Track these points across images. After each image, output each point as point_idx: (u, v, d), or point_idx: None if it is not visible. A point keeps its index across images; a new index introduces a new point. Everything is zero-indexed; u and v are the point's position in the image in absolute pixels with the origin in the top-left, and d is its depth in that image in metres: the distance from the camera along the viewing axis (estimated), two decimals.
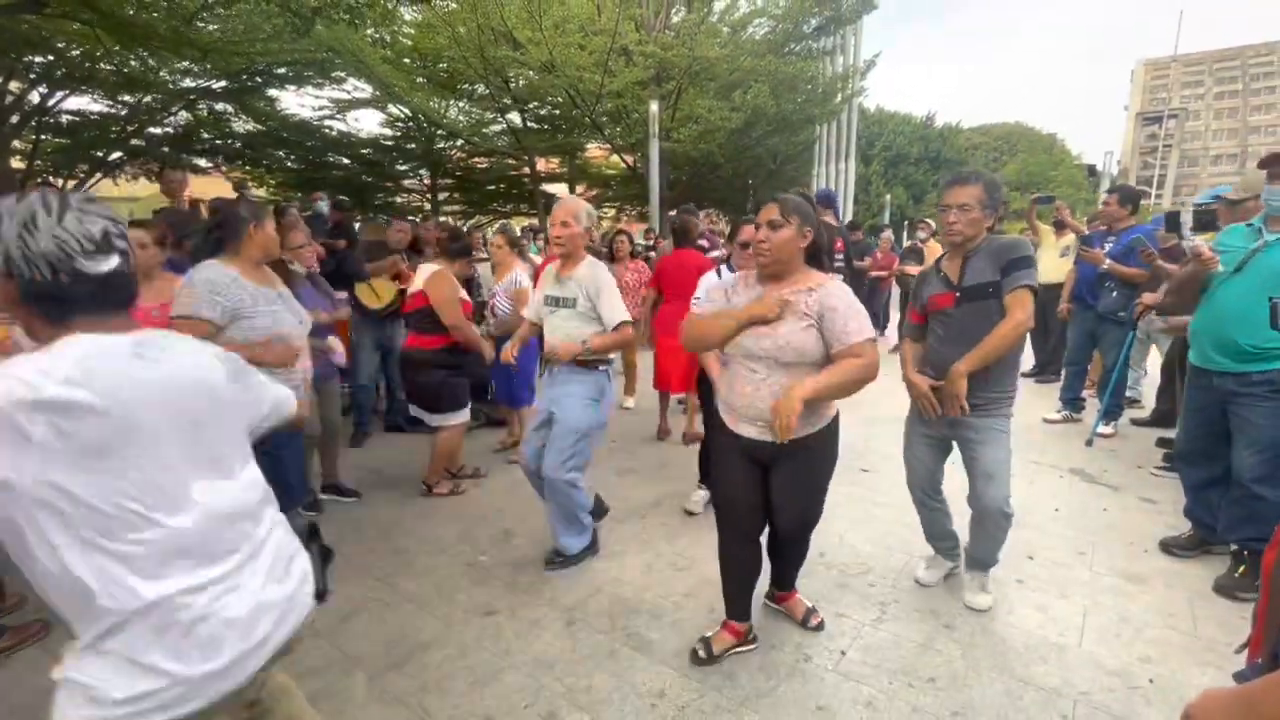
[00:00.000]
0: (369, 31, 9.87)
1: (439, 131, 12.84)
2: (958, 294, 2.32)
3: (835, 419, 2.10)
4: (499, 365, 3.86)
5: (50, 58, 7.70)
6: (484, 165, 14.77)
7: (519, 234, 5.41)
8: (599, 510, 3.11)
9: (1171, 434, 4.29)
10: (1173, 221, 3.42)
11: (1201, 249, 2.70)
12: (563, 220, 2.72)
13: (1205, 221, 3.14)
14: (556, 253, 2.81)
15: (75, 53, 7.66)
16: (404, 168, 14.42)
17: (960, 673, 2.14)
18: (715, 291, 2.18)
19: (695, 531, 3.18)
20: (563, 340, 2.72)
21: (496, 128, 13.05)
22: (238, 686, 1.05)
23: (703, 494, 3.39)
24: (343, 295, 4.08)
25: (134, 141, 10.02)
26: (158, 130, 10.26)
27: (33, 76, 7.99)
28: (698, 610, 2.52)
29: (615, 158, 13.74)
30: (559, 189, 16.09)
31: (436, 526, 3.27)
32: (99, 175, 10.22)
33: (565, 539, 2.84)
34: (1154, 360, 5.13)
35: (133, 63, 8.11)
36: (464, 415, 3.64)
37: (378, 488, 3.77)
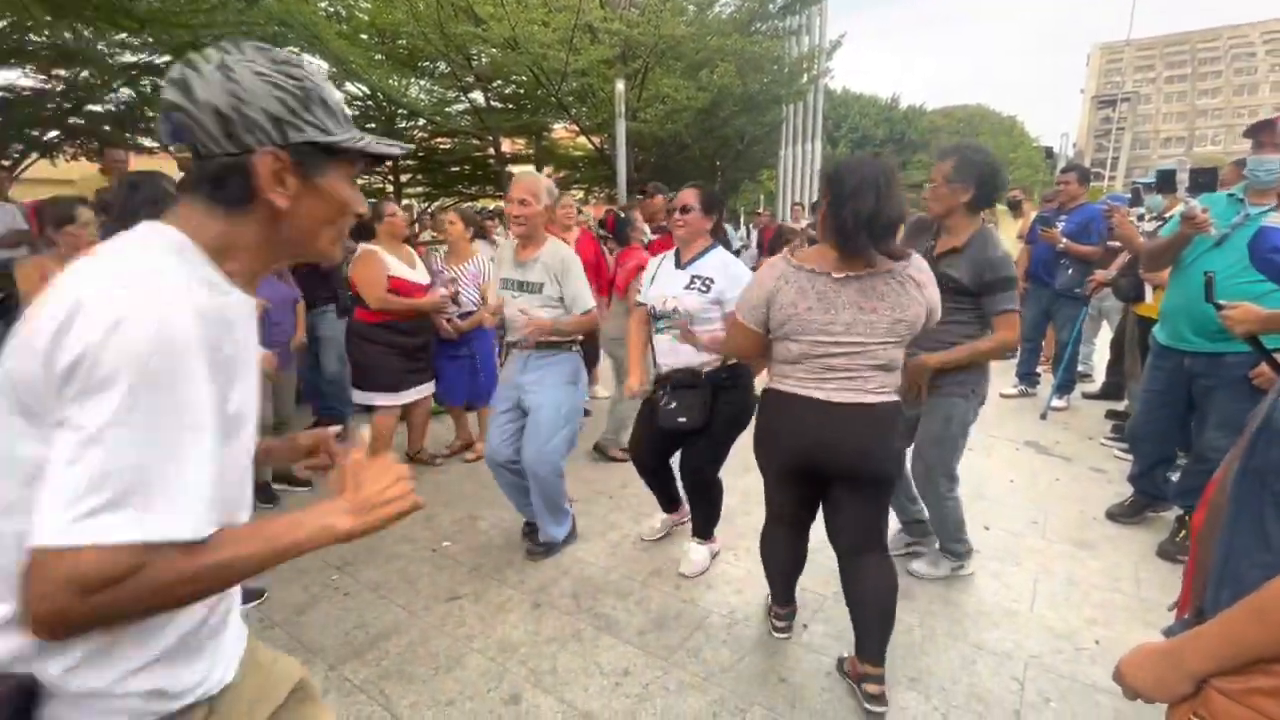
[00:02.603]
0: (323, 5, 9.47)
1: (399, 111, 12.43)
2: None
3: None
4: (459, 362, 3.80)
5: None
6: (447, 146, 14.38)
7: (478, 213, 5.25)
8: (572, 533, 2.97)
9: (1120, 406, 4.47)
10: (1164, 180, 3.17)
11: (1195, 209, 2.47)
12: (521, 198, 2.54)
13: (1204, 182, 2.86)
14: (516, 233, 2.64)
15: (2, 24, 7.18)
16: None
17: (917, 640, 2.20)
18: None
19: (660, 513, 3.18)
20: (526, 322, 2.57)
21: (459, 107, 12.71)
22: None
23: (660, 518, 3.02)
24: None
25: (72, 120, 9.48)
26: (99, 108, 9.72)
27: None
28: (663, 589, 2.54)
29: (582, 139, 13.54)
30: (525, 170, 15.81)
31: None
32: (35, 155, 9.67)
33: (552, 529, 2.77)
34: (1105, 335, 5.31)
35: (67, 35, 7.64)
36: (393, 398, 3.48)
37: None
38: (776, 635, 2.21)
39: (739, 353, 2.03)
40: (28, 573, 0.62)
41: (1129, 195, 3.85)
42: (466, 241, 4.03)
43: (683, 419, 2.43)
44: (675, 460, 2.75)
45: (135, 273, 0.71)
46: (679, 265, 2.58)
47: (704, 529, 2.71)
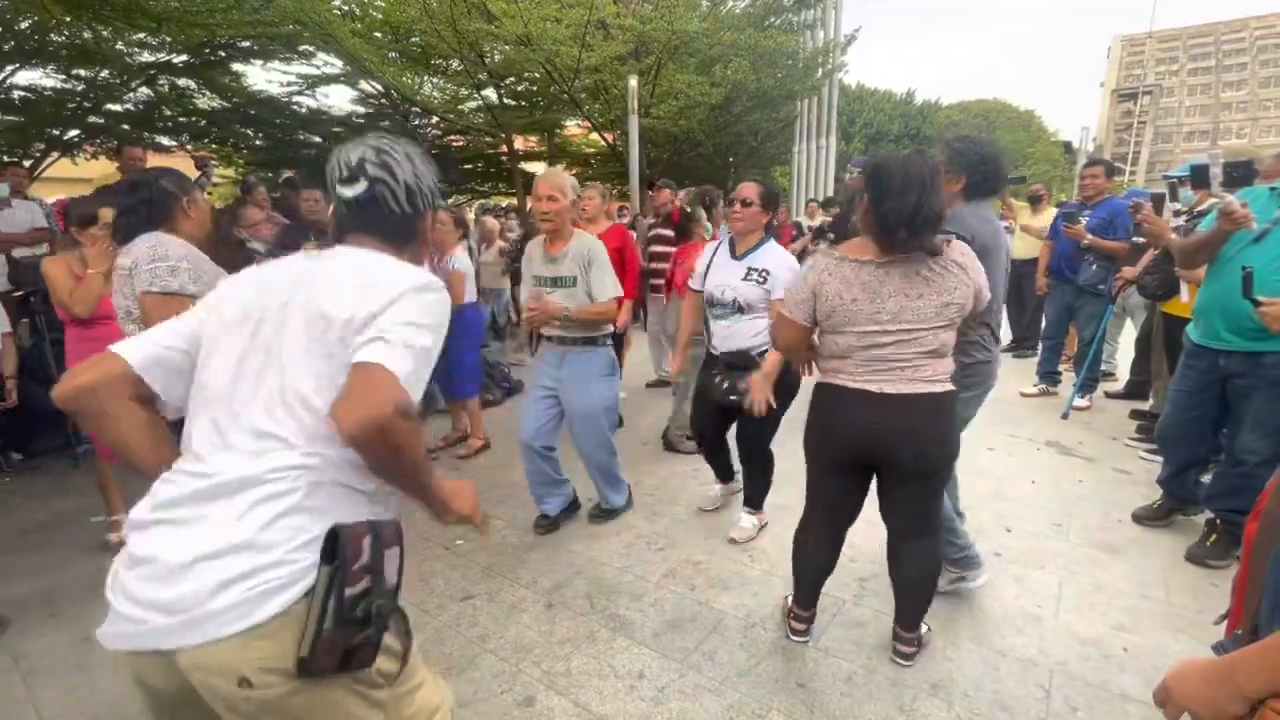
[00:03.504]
0: (337, 3, 9.50)
1: (413, 108, 12.48)
2: None
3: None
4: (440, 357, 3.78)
5: None
6: (460, 143, 14.42)
7: (490, 209, 5.24)
8: (572, 507, 3.13)
9: (1144, 406, 4.37)
10: (1199, 176, 3.07)
11: (1234, 205, 2.35)
12: (549, 195, 2.62)
13: (1238, 176, 2.74)
14: (544, 229, 2.71)
15: (24, 24, 7.27)
16: None
17: (939, 646, 2.15)
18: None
19: (675, 512, 3.16)
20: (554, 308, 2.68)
21: (472, 104, 12.71)
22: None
23: (717, 489, 3.23)
24: None
25: (92, 119, 9.60)
26: (118, 107, 9.84)
27: None
28: (678, 590, 2.50)
29: (594, 135, 13.50)
30: (538, 167, 15.81)
31: (412, 510, 3.20)
32: (56, 154, 9.81)
33: (612, 496, 3.07)
34: (1129, 333, 5.19)
35: (86, 35, 7.72)
36: None
37: None
38: (794, 639, 2.17)
39: (786, 347, 2.02)
40: (367, 383, 0.91)
41: (1164, 191, 3.74)
42: (452, 241, 4.00)
43: (734, 397, 2.62)
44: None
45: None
46: (735, 256, 2.72)
47: (756, 500, 2.93)
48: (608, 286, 2.69)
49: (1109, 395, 4.89)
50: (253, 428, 0.96)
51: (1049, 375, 5.02)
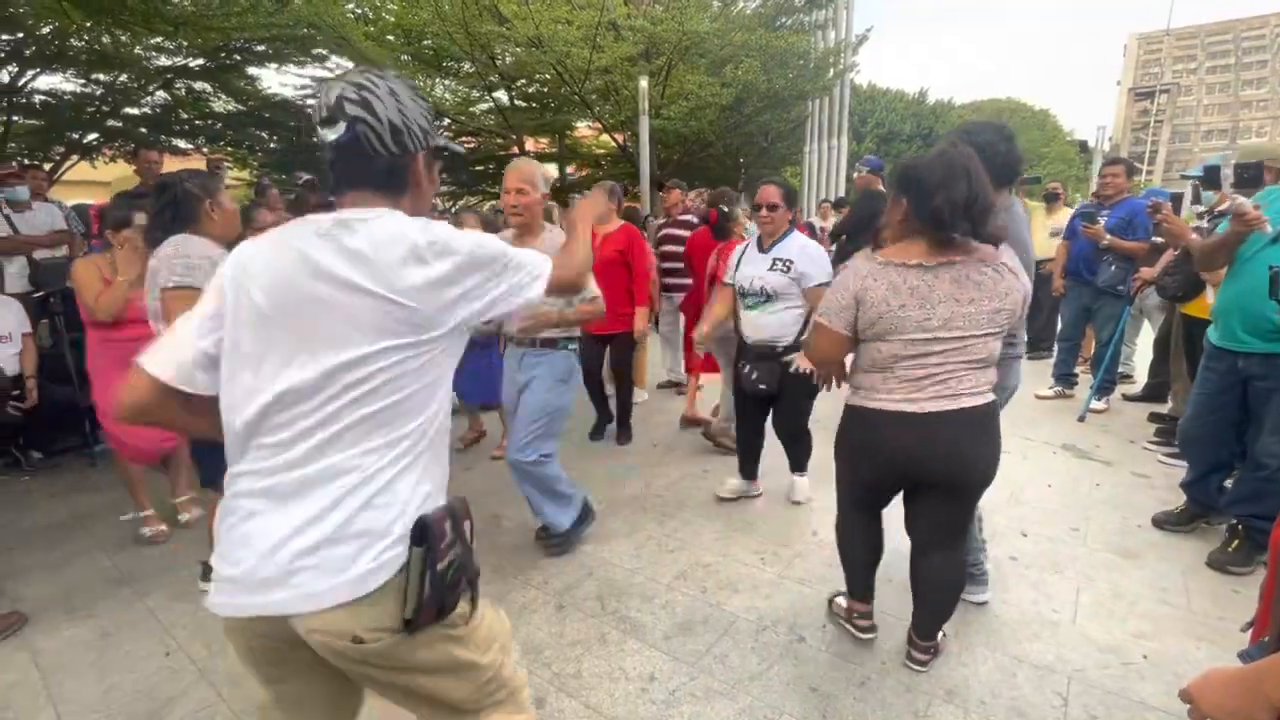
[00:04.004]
0: (350, 6, 9.58)
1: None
2: None
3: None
4: (469, 363, 3.79)
5: (19, 35, 7.43)
6: (471, 145, 14.51)
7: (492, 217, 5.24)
8: (585, 516, 2.90)
9: (1164, 408, 4.30)
10: (1211, 176, 3.10)
11: (1245, 207, 2.36)
12: (518, 187, 2.45)
13: (1250, 177, 2.76)
14: (513, 223, 2.54)
15: (45, 30, 7.39)
16: None
17: (953, 651, 2.13)
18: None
19: (685, 513, 3.15)
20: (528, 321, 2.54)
21: (484, 106, 12.79)
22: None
23: (735, 482, 3.27)
24: None
25: (110, 122, 9.75)
26: (135, 111, 9.98)
27: (1, 55, 7.71)
28: (689, 592, 2.49)
29: (605, 136, 13.53)
30: (549, 169, 15.86)
31: None
32: (75, 157, 9.96)
33: (554, 516, 2.74)
34: (1146, 335, 5.12)
35: (105, 39, 7.84)
36: None
37: None
38: (863, 636, 2.13)
39: (825, 358, 1.92)
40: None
41: (1183, 191, 3.71)
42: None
43: (762, 385, 2.88)
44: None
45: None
46: (762, 250, 2.96)
47: (802, 462, 3.19)
48: (587, 287, 2.52)
49: (1127, 398, 4.82)
50: None
51: (1065, 377, 4.96)
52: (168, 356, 1.05)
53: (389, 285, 0.97)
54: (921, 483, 1.83)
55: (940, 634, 2.06)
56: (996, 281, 1.66)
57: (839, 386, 2.06)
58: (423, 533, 0.98)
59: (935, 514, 1.88)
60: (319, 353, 0.97)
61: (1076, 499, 3.24)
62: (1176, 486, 3.05)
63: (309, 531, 0.96)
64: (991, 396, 1.78)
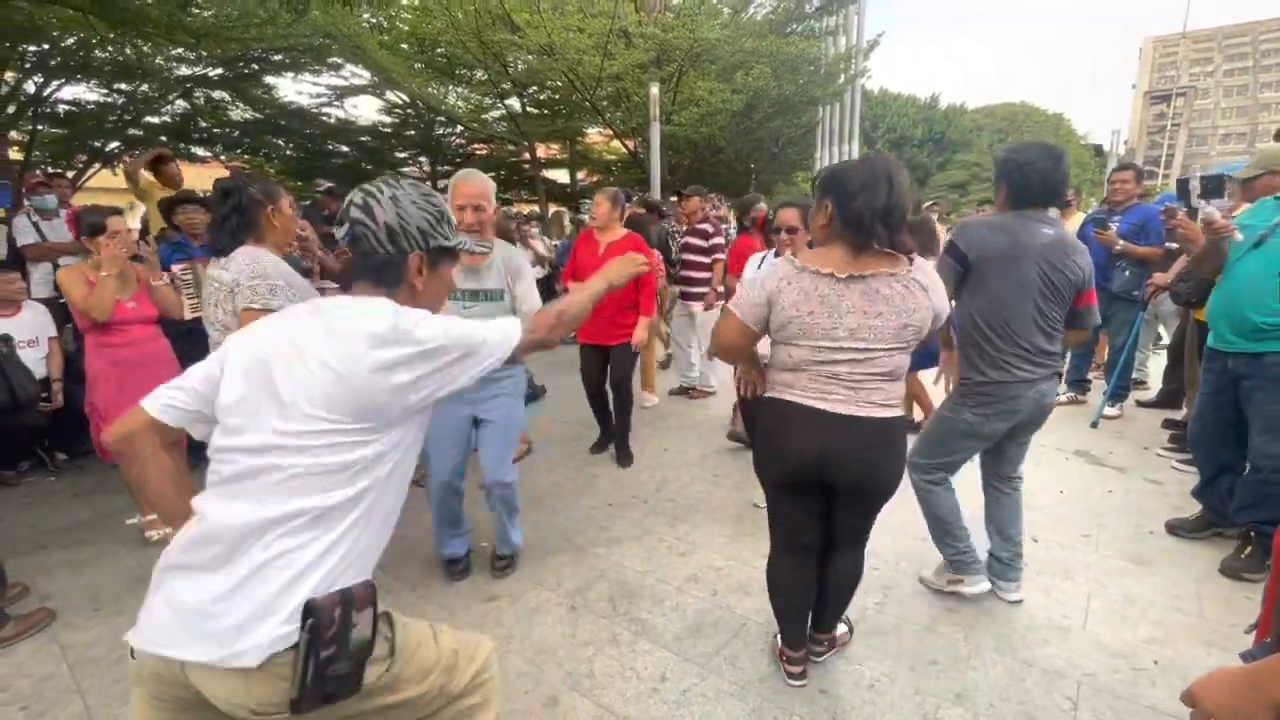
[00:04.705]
0: (365, 16, 9.73)
1: (438, 118, 12.70)
2: None
3: None
4: None
5: (45, 46, 7.62)
6: (484, 152, 14.65)
7: (512, 217, 5.27)
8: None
9: (1178, 415, 4.27)
10: (1181, 189, 3.36)
11: (1214, 216, 2.55)
12: (476, 204, 2.32)
13: (1212, 188, 3.04)
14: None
15: (70, 41, 7.58)
16: (403, 155, 14.29)
17: (963, 655, 2.14)
18: None
19: (696, 517, 3.17)
20: None
21: (496, 113, 12.91)
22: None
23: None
24: None
25: (131, 131, 9.95)
26: (156, 119, 10.18)
27: (27, 65, 7.91)
28: (700, 595, 2.52)
29: (616, 143, 13.60)
30: (560, 175, 15.96)
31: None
32: (97, 165, 10.17)
33: (515, 536, 2.69)
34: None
35: (128, 50, 8.02)
36: None
37: None
38: (792, 684, 2.01)
39: (728, 347, 1.88)
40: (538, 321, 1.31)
41: (1167, 198, 3.87)
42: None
43: None
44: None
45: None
46: None
47: None
48: (537, 298, 2.49)
49: (1140, 404, 4.79)
50: None
51: (1078, 383, 4.94)
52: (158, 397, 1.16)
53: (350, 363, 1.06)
54: (832, 485, 1.80)
55: (841, 628, 2.16)
56: (905, 297, 1.65)
57: (761, 392, 2.00)
58: (309, 615, 0.99)
59: (848, 520, 1.91)
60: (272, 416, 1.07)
61: (1089, 505, 3.23)
62: (1189, 494, 3.03)
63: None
64: (899, 411, 1.78)
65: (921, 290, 1.67)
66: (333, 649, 0.99)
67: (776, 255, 2.94)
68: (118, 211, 3.07)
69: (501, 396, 2.53)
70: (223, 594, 1.00)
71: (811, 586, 1.99)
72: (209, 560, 1.02)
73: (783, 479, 1.87)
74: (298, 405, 1.04)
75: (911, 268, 1.68)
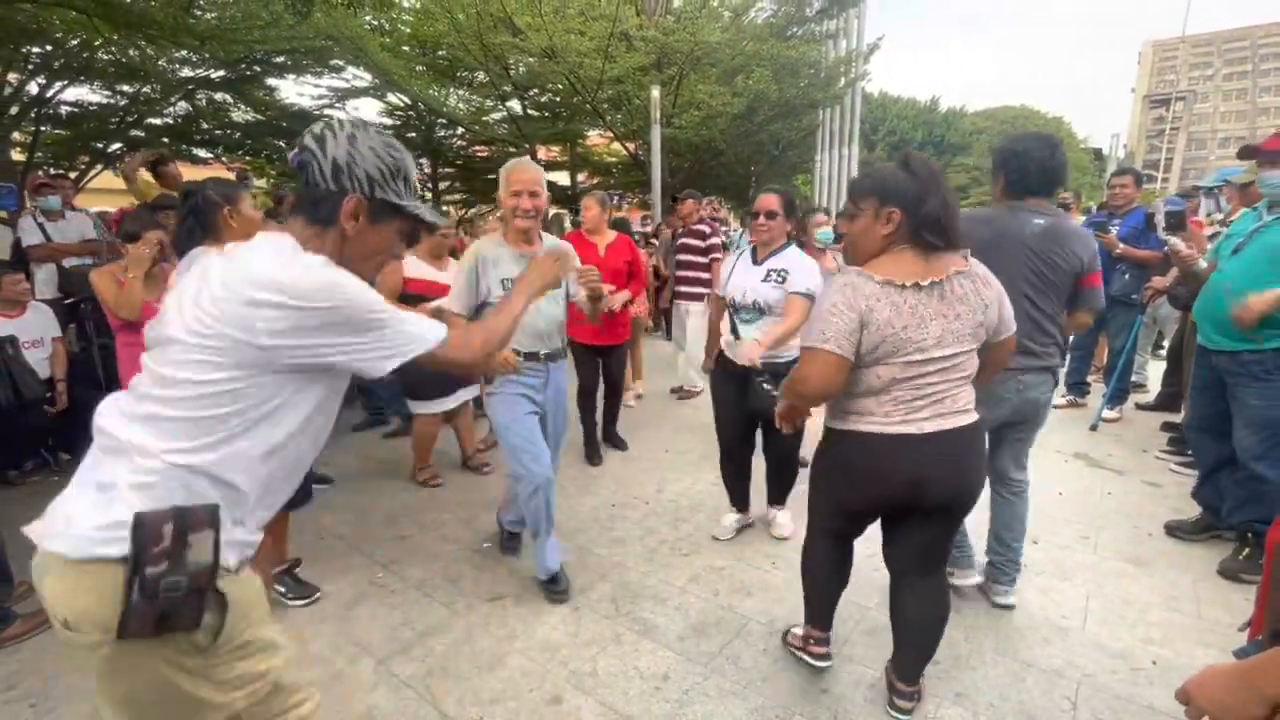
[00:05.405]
0: (367, 18, 9.76)
1: (439, 120, 12.73)
2: None
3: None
4: None
5: (48, 47, 7.64)
6: (485, 154, 14.67)
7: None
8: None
9: (1176, 418, 4.30)
10: (1148, 220, 3.77)
11: (1179, 247, 2.96)
12: (532, 190, 2.34)
13: (1174, 223, 3.32)
14: (524, 225, 2.37)
15: (73, 42, 7.61)
16: None
17: (963, 655, 2.15)
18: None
19: (698, 518, 3.19)
20: (546, 326, 2.43)
21: (497, 116, 12.94)
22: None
23: (733, 518, 3.06)
24: None
25: (134, 132, 9.97)
26: (158, 121, 10.21)
27: (31, 67, 7.93)
28: (702, 595, 2.53)
29: (617, 145, 13.63)
30: (561, 177, 15.99)
31: (441, 514, 3.28)
32: (100, 166, 10.19)
33: (553, 553, 2.52)
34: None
35: (131, 52, 8.05)
36: (438, 405, 3.55)
37: (383, 477, 3.78)
38: (818, 664, 2.00)
39: (821, 390, 1.65)
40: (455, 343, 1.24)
41: (1199, 199, 4.06)
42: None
43: (776, 393, 2.51)
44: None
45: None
46: (756, 262, 2.75)
47: (784, 495, 3.03)
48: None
49: (1139, 407, 4.82)
50: None
51: (1078, 386, 4.96)
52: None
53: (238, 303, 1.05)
54: (920, 508, 1.70)
55: (922, 676, 1.93)
56: (976, 294, 1.62)
57: (802, 425, 2.00)
58: (135, 530, 0.96)
59: (923, 538, 1.78)
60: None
61: (1087, 507, 3.25)
62: (1188, 496, 3.06)
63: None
64: (976, 415, 1.71)
65: (985, 284, 1.65)
66: (163, 564, 0.97)
67: (752, 241, 2.81)
68: (150, 223, 3.12)
69: (561, 389, 2.62)
70: (73, 489, 1.07)
71: (848, 572, 2.00)
72: (91, 462, 1.10)
73: (860, 508, 1.81)
74: (193, 314, 1.05)
75: (970, 262, 1.66)
